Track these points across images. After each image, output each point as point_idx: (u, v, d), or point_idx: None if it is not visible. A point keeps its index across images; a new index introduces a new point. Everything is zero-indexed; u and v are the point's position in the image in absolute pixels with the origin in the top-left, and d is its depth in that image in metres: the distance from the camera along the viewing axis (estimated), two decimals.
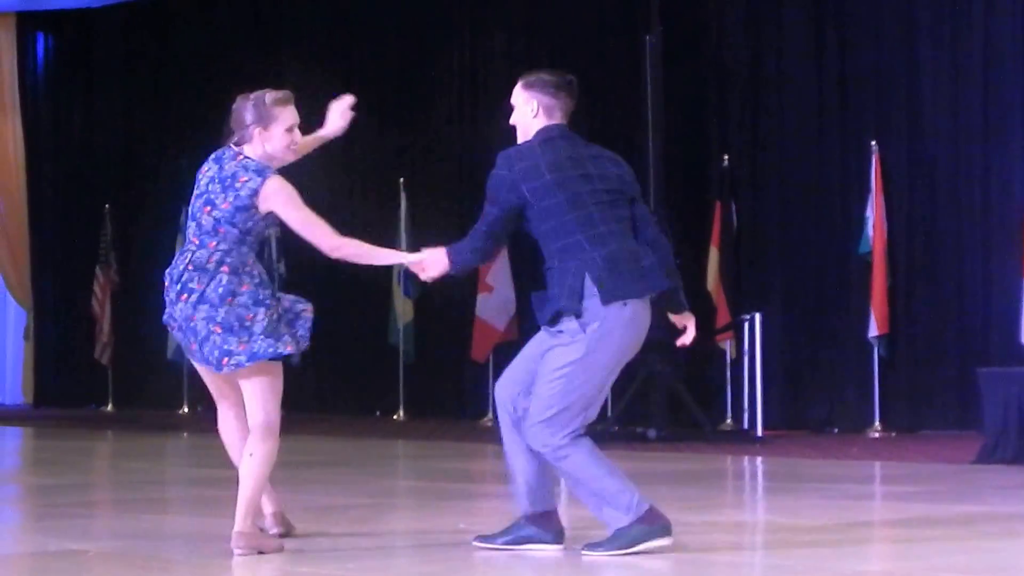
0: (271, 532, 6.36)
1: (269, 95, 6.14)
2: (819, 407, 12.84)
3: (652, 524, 5.75)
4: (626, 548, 5.74)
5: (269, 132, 6.12)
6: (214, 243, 6.02)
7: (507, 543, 5.98)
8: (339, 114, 6.60)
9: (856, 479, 9.38)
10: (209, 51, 16.44)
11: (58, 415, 16.73)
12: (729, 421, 12.92)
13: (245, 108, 6.13)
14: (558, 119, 6.05)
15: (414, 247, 14.36)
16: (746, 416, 12.28)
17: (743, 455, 10.99)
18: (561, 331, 5.81)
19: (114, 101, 17.89)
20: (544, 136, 5.98)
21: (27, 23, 18.40)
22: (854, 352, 12.56)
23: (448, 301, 14.45)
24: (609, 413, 13.13)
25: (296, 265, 14.58)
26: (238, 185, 6.01)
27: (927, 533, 6.64)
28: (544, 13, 14.64)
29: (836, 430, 12.61)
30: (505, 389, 5.99)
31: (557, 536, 6.00)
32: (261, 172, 6.03)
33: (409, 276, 14.65)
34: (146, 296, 17.14)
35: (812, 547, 6.18)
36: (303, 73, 14.12)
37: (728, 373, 12.99)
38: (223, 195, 6.02)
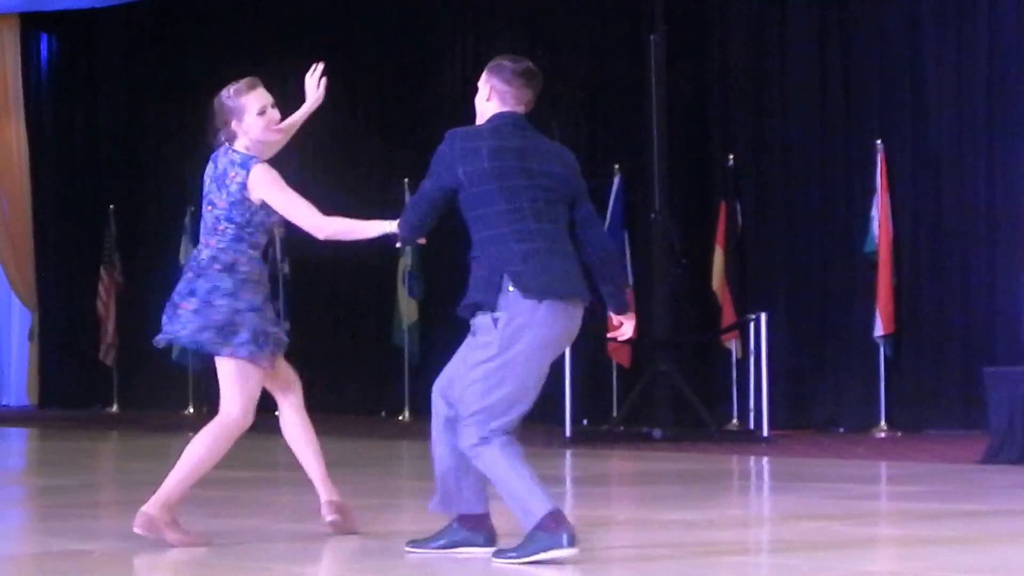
0: (326, 520, 6.36)
1: (231, 88, 6.31)
2: (824, 407, 12.83)
3: (555, 533, 5.54)
4: (528, 556, 5.57)
5: (244, 123, 6.27)
6: (213, 241, 6.20)
7: (441, 547, 5.86)
8: (314, 85, 6.74)
9: (862, 479, 9.36)
10: (212, 51, 16.43)
11: (63, 416, 16.73)
12: (735, 421, 12.91)
13: (218, 110, 6.30)
14: (511, 106, 5.87)
15: (419, 248, 14.40)
16: (752, 416, 12.26)
17: (749, 455, 10.97)
18: (476, 328, 5.73)
19: (117, 101, 17.90)
20: (495, 123, 5.85)
21: (30, 24, 18.41)
22: (859, 351, 12.54)
23: (452, 302, 14.40)
24: (614, 413, 13.14)
25: (301, 266, 14.59)
26: (228, 181, 6.18)
27: (933, 533, 6.63)
28: (548, 13, 14.62)
29: (842, 429, 12.60)
30: (441, 387, 5.90)
31: (488, 539, 5.87)
32: (245, 164, 6.18)
33: (415, 277, 14.66)
34: (150, 296, 17.16)
35: (818, 547, 6.16)
36: (306, 73, 14.12)
37: (734, 373, 12.98)
38: (219, 193, 6.20)
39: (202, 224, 6.27)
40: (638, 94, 12.97)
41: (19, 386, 18.71)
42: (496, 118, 5.86)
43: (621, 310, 6.09)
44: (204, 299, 6.11)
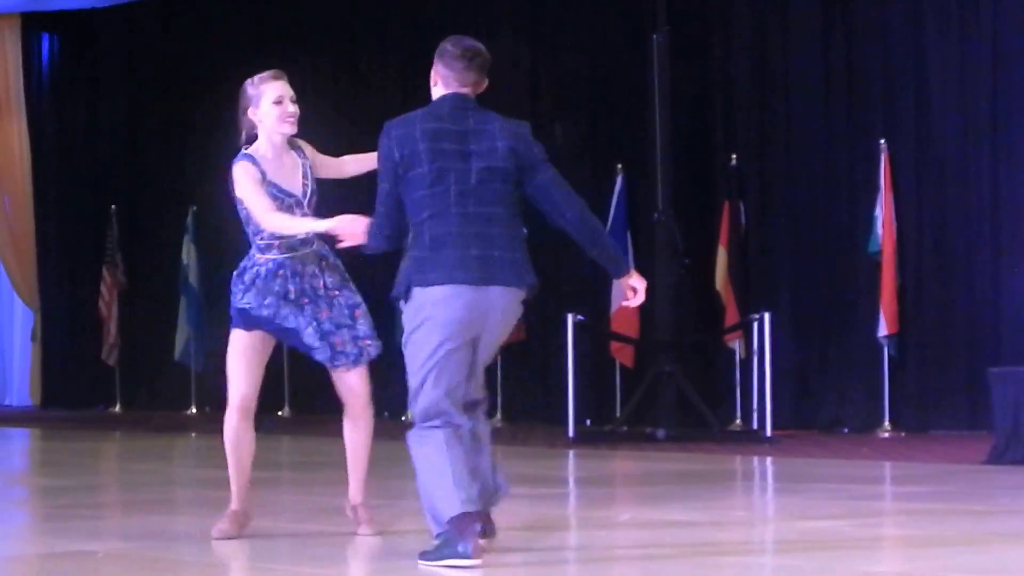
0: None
1: (257, 76, 6.38)
2: (828, 407, 12.80)
3: (461, 542, 5.47)
4: (436, 560, 5.52)
5: (259, 110, 6.32)
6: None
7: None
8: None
9: (866, 479, 9.34)
10: (214, 51, 16.42)
11: (65, 416, 16.72)
12: (738, 421, 12.89)
13: (241, 96, 6.39)
14: (455, 88, 5.77)
15: None
16: (755, 416, 12.23)
17: (752, 455, 10.95)
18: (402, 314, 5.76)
19: (119, 101, 17.88)
20: (433, 105, 5.78)
21: (32, 24, 18.38)
22: (863, 352, 12.51)
23: None
24: (618, 413, 13.12)
25: None
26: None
27: (937, 533, 6.61)
28: (550, 12, 14.60)
29: (846, 430, 12.57)
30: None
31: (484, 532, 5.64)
32: (231, 165, 6.29)
33: None
34: (153, 297, 17.24)
35: (822, 548, 6.15)
36: (309, 73, 14.12)
37: (737, 373, 12.96)
38: None
39: None
40: (641, 93, 12.96)
41: (21, 386, 18.69)
42: (436, 101, 5.79)
43: (619, 272, 5.94)
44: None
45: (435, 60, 5.81)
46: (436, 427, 5.62)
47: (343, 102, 15.18)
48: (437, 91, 5.82)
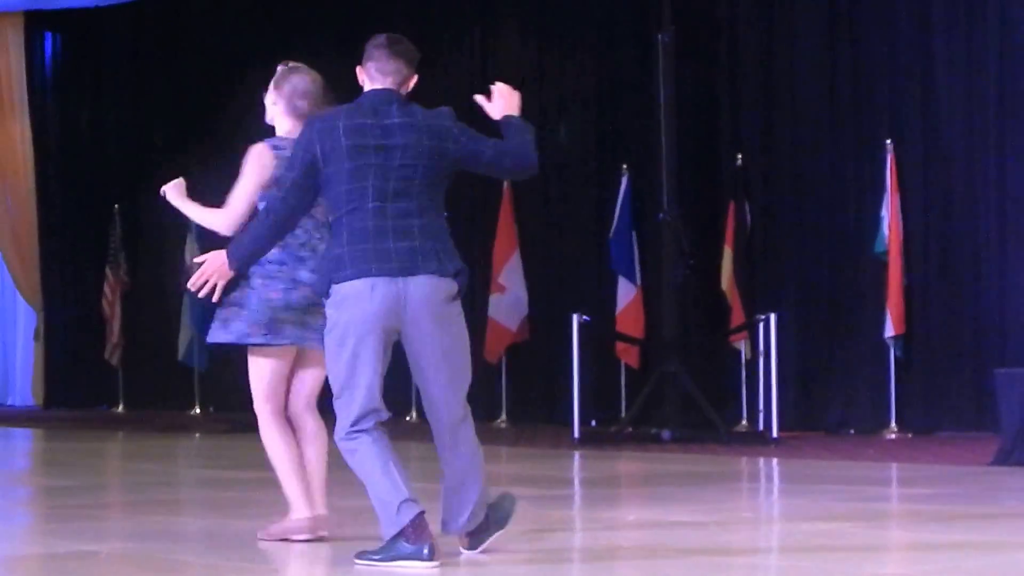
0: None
1: (292, 63, 6.45)
2: (835, 408, 12.77)
3: (416, 544, 5.45)
4: (388, 561, 5.50)
5: (280, 91, 6.35)
6: None
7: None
8: None
9: (872, 481, 9.31)
10: (219, 49, 16.41)
11: (68, 416, 16.70)
12: (744, 422, 12.86)
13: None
14: (380, 82, 5.71)
15: None
16: (761, 417, 12.21)
17: (758, 456, 10.93)
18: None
19: (123, 100, 17.86)
20: (356, 102, 5.73)
21: (35, 22, 18.35)
22: (870, 352, 12.48)
23: (461, 301, 14.38)
24: (623, 414, 13.10)
25: None
26: None
27: (944, 536, 6.58)
28: (556, 12, 14.58)
29: (852, 431, 12.53)
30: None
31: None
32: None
33: None
34: (156, 296, 17.22)
35: (828, 550, 6.12)
36: (317, 71, 14.07)
37: (743, 374, 12.92)
38: None
39: None
40: (646, 94, 12.93)
41: (24, 386, 18.67)
42: (359, 97, 5.73)
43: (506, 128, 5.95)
44: None
45: (362, 60, 5.77)
46: (364, 430, 5.58)
47: (348, 101, 15.13)
48: (366, 87, 5.78)
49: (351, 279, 5.56)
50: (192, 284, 5.87)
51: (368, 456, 5.57)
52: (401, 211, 5.61)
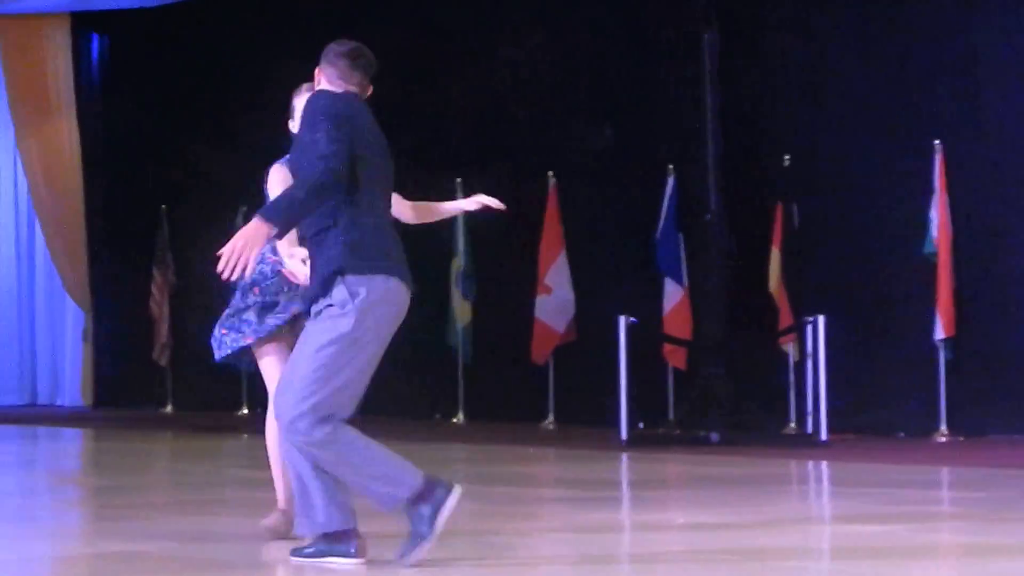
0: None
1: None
2: (884, 411, 12.68)
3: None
4: (317, 557, 5.51)
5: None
6: None
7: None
8: (473, 201, 6.42)
9: (922, 484, 9.25)
10: (263, 49, 16.44)
11: (117, 416, 16.79)
12: (792, 424, 12.79)
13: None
14: (342, 87, 5.60)
15: (469, 247, 14.37)
16: (810, 419, 12.13)
17: (807, 459, 10.88)
18: (331, 303, 5.35)
19: (170, 101, 17.93)
20: (358, 102, 5.65)
21: (81, 23, 18.46)
22: (919, 355, 12.38)
23: (506, 303, 14.39)
24: (671, 416, 13.05)
25: None
26: None
27: (995, 540, 6.53)
28: (602, 13, 14.53)
29: (902, 434, 12.44)
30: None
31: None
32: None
33: (468, 278, 14.59)
34: (204, 297, 17.21)
35: (877, 555, 6.08)
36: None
37: (791, 376, 12.85)
38: None
39: None
40: (692, 94, 12.88)
41: (73, 387, 18.78)
42: (342, 95, 5.59)
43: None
44: None
45: (320, 62, 5.69)
46: (332, 422, 5.40)
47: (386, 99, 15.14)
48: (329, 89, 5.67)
49: (385, 273, 5.39)
50: (223, 268, 5.23)
51: (352, 439, 5.42)
52: (388, 213, 5.68)
